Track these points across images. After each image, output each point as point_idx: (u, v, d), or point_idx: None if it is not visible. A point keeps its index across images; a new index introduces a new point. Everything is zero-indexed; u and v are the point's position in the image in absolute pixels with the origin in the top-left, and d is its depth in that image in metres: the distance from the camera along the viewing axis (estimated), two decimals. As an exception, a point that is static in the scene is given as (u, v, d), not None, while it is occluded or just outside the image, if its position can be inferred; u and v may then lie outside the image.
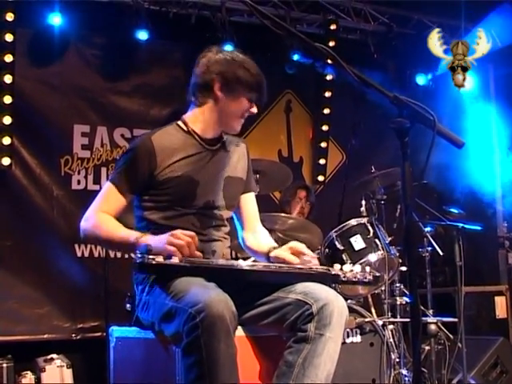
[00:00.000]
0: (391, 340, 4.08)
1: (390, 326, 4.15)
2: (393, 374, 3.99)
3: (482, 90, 6.12)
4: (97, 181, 5.48)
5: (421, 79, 6.34)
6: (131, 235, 2.33)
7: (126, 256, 5.34)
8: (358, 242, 4.17)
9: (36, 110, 5.34)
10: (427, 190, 5.54)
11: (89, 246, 5.34)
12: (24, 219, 5.21)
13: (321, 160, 6.44)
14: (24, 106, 5.23)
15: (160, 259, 2.16)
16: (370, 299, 4.38)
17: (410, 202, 1.96)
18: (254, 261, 2.76)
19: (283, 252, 2.45)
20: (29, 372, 4.87)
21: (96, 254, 5.33)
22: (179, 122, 2.61)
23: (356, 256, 4.11)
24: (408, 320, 4.10)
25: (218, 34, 5.60)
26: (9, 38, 4.99)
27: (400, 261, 4.24)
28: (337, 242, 4.19)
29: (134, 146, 2.54)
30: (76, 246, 5.33)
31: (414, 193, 1.97)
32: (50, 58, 5.41)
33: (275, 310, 2.33)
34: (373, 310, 4.30)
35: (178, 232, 2.23)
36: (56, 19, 5.19)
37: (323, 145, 6.43)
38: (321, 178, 6.45)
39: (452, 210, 5.18)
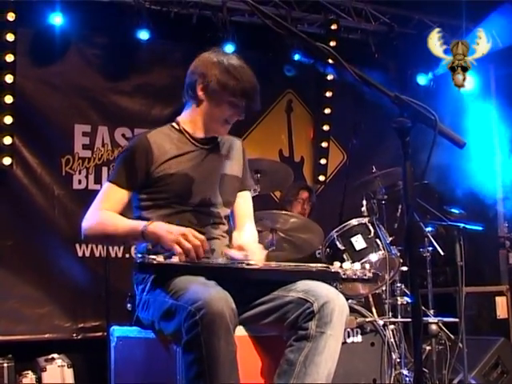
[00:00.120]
0: (392, 340, 4.08)
1: (391, 326, 4.15)
2: (394, 374, 3.99)
3: (483, 90, 6.12)
4: (98, 180, 5.48)
5: (422, 79, 6.34)
6: (139, 224, 2.34)
7: (127, 255, 5.35)
8: (358, 242, 4.18)
9: (37, 109, 5.34)
10: (428, 190, 5.54)
11: (90, 246, 5.34)
12: (25, 219, 5.21)
13: (322, 160, 6.44)
14: (25, 105, 5.23)
15: (160, 259, 2.16)
16: (370, 299, 4.38)
17: (411, 202, 1.96)
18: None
19: (233, 250, 2.42)
20: (30, 372, 4.87)
21: (97, 254, 5.33)
22: (173, 123, 2.64)
23: (357, 256, 4.12)
24: (409, 320, 4.10)
25: (219, 34, 5.61)
26: (10, 37, 4.99)
27: (401, 261, 4.24)
28: (338, 242, 4.20)
29: (130, 144, 2.58)
30: (77, 245, 5.32)
31: (415, 193, 1.97)
32: (51, 58, 5.41)
33: (276, 308, 2.33)
34: (374, 310, 4.30)
35: (190, 234, 2.24)
36: (57, 19, 5.19)
37: (324, 145, 6.43)
38: (322, 178, 6.45)
39: (453, 210, 5.18)
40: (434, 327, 4.42)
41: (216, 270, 2.28)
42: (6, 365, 4.68)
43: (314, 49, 1.99)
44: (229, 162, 2.67)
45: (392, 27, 6.15)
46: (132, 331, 2.57)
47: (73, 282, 5.24)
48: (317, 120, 6.50)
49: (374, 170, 4.44)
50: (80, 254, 5.33)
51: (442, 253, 4.75)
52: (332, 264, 2.39)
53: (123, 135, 5.62)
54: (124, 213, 2.53)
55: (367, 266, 2.38)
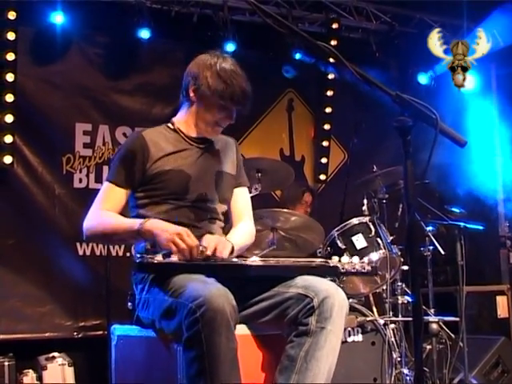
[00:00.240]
0: (393, 339, 4.08)
1: (392, 325, 4.15)
2: (394, 373, 3.99)
3: (484, 89, 6.12)
4: (99, 179, 5.48)
5: (423, 78, 6.34)
6: (135, 222, 2.37)
7: (128, 254, 5.35)
8: (359, 241, 4.18)
9: (38, 108, 5.34)
10: (429, 190, 5.53)
11: (90, 245, 5.34)
12: (26, 218, 5.21)
13: (323, 159, 6.44)
14: (26, 104, 5.23)
15: (159, 258, 2.17)
16: (371, 298, 4.38)
17: (412, 201, 1.96)
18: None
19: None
20: (30, 370, 4.88)
21: (98, 253, 5.34)
22: (168, 124, 2.70)
23: (358, 255, 4.10)
24: (410, 319, 4.10)
25: (220, 33, 5.60)
26: (11, 36, 4.99)
27: (402, 260, 4.24)
28: (338, 241, 4.20)
29: (126, 142, 2.63)
30: (78, 244, 5.33)
31: (416, 192, 1.97)
32: (52, 57, 5.40)
33: (276, 305, 2.34)
34: (374, 309, 4.30)
35: (185, 233, 2.25)
36: (58, 18, 5.19)
37: (325, 144, 6.43)
38: (322, 177, 6.45)
39: (454, 209, 5.18)
40: (434, 326, 4.42)
41: (215, 267, 2.29)
42: (6, 363, 4.68)
43: (315, 48, 1.99)
44: (223, 161, 2.71)
45: (393, 26, 6.15)
46: (133, 330, 2.57)
47: (73, 281, 5.24)
48: (318, 119, 6.50)
49: (375, 169, 4.44)
50: (81, 252, 5.34)
51: (442, 252, 4.75)
52: (331, 259, 2.40)
53: (124, 134, 5.62)
54: (124, 212, 2.55)
55: (366, 259, 2.38)
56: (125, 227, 2.41)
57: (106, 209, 2.49)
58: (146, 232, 2.32)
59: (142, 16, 5.36)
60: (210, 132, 2.65)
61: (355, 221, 4.26)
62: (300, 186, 5.28)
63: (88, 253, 5.33)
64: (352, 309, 3.99)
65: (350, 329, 3.91)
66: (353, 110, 6.22)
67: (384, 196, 4.48)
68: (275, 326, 2.39)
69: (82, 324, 5.28)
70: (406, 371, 4.11)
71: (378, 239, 4.18)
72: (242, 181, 2.80)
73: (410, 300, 4.20)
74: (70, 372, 4.92)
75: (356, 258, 2.38)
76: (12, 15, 4.97)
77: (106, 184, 2.55)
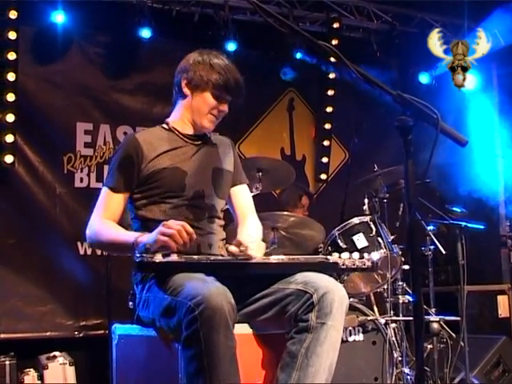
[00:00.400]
0: (393, 338, 4.08)
1: (393, 325, 4.15)
2: (395, 373, 3.99)
3: (485, 88, 6.11)
4: (100, 179, 5.48)
5: (424, 78, 6.34)
6: (130, 237, 2.36)
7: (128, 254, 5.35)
8: (360, 241, 4.18)
9: (39, 107, 5.34)
10: (430, 189, 5.53)
11: (91, 244, 5.34)
12: (27, 217, 5.21)
13: (323, 158, 6.44)
14: (27, 103, 5.23)
15: (159, 257, 2.17)
16: (372, 297, 4.38)
17: (413, 201, 1.96)
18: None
19: (232, 246, 2.39)
20: (31, 369, 4.88)
21: (98, 252, 5.33)
22: (163, 124, 2.71)
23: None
24: (410, 318, 4.09)
25: (221, 33, 5.61)
26: (12, 35, 4.99)
27: (402, 259, 4.24)
28: (339, 241, 4.20)
29: (120, 146, 2.64)
30: (79, 243, 5.33)
31: (416, 191, 1.97)
32: (53, 56, 5.41)
33: (276, 301, 2.34)
34: (375, 309, 4.30)
35: (170, 221, 2.26)
36: (59, 17, 5.19)
37: (326, 143, 6.44)
38: (323, 177, 6.46)
39: (455, 208, 5.18)
40: (435, 326, 4.42)
41: (215, 265, 2.29)
42: (7, 362, 4.68)
43: (316, 47, 1.99)
44: (219, 157, 2.71)
45: (394, 26, 6.15)
46: (133, 329, 2.57)
47: (74, 280, 5.24)
48: (318, 118, 6.50)
49: (376, 168, 4.44)
50: (82, 252, 5.34)
51: (443, 251, 4.75)
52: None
53: (125, 133, 5.61)
54: (124, 214, 2.57)
55: (366, 255, 2.38)
56: (121, 240, 2.40)
57: (107, 217, 2.51)
58: (139, 243, 2.31)
59: (143, 15, 5.37)
60: (206, 124, 2.64)
61: (356, 220, 4.26)
62: (297, 189, 5.27)
63: (89, 252, 5.34)
64: (353, 308, 3.99)
65: (350, 328, 3.91)
66: (354, 109, 6.22)
67: (385, 195, 4.47)
68: (275, 323, 2.39)
69: (83, 323, 5.28)
70: (406, 371, 4.11)
71: (379, 238, 4.18)
72: (242, 178, 2.80)
73: (411, 299, 4.17)
74: (71, 371, 4.92)
75: (356, 254, 2.38)
76: (13, 14, 4.97)
77: (104, 190, 2.57)
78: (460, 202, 5.45)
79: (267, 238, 4.31)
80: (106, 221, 2.50)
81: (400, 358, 4.10)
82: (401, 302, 4.37)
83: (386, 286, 4.24)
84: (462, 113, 5.80)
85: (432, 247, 4.73)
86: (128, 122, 5.69)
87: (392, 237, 4.29)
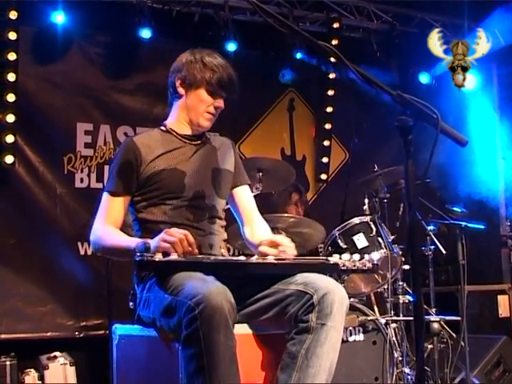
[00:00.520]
0: (394, 338, 4.09)
1: (393, 325, 4.15)
2: (395, 373, 3.99)
3: (485, 88, 6.12)
4: (100, 179, 5.49)
5: (424, 78, 6.34)
6: (132, 242, 2.36)
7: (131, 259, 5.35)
8: (360, 241, 4.18)
9: (39, 108, 5.35)
10: (430, 189, 5.53)
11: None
12: (27, 217, 5.22)
13: (324, 158, 6.44)
14: (27, 104, 5.23)
15: (159, 256, 2.17)
16: (372, 297, 4.38)
17: (413, 201, 1.95)
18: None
19: (265, 246, 2.44)
20: (32, 370, 4.88)
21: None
22: (160, 127, 2.71)
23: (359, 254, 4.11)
24: (411, 318, 4.09)
25: (221, 33, 5.61)
26: (12, 36, 4.99)
27: (403, 259, 4.25)
28: (339, 241, 4.20)
29: (118, 150, 2.65)
30: (79, 244, 5.33)
31: (417, 191, 1.97)
32: (54, 56, 5.41)
33: (276, 302, 2.34)
34: (375, 309, 4.30)
35: (172, 229, 2.27)
36: (59, 17, 5.19)
37: (326, 143, 6.44)
38: (324, 177, 6.46)
39: (455, 208, 5.18)
40: (435, 326, 4.42)
41: (215, 265, 2.29)
42: (8, 363, 4.69)
43: (316, 47, 1.99)
44: (219, 157, 2.71)
45: (394, 26, 6.15)
46: (134, 329, 2.57)
47: (75, 281, 5.25)
48: (319, 118, 6.50)
49: (376, 168, 4.44)
50: (82, 252, 5.34)
51: (443, 251, 4.75)
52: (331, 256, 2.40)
53: (125, 134, 5.62)
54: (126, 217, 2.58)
55: (366, 256, 2.38)
56: (123, 246, 2.41)
57: (109, 222, 2.52)
58: (140, 244, 2.31)
59: (143, 15, 5.37)
60: (203, 123, 2.64)
61: (356, 220, 4.26)
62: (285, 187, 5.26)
63: (89, 252, 5.33)
64: (353, 308, 3.99)
65: (351, 328, 3.91)
66: (354, 109, 6.22)
67: (385, 195, 4.48)
68: (276, 324, 2.39)
69: (84, 323, 5.28)
70: (407, 370, 4.11)
71: (379, 239, 4.18)
72: (244, 179, 2.80)
73: (412, 299, 4.18)
74: (71, 371, 4.92)
75: (357, 256, 2.38)
76: (13, 15, 4.98)
77: (105, 195, 2.57)
78: (460, 202, 5.45)
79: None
80: (108, 227, 2.51)
81: (400, 358, 4.11)
82: (401, 301, 4.37)
83: (386, 286, 4.24)
84: (462, 113, 5.80)
85: (432, 247, 4.74)
86: (128, 122, 5.69)
87: (392, 237, 4.30)
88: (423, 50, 5.73)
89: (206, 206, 2.58)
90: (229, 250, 2.92)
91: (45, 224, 5.27)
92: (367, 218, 4.26)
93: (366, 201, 4.45)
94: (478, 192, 5.79)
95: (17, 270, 5.11)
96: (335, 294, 2.26)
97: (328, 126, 6.41)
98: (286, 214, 4.47)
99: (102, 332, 5.15)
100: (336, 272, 2.87)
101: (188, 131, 2.67)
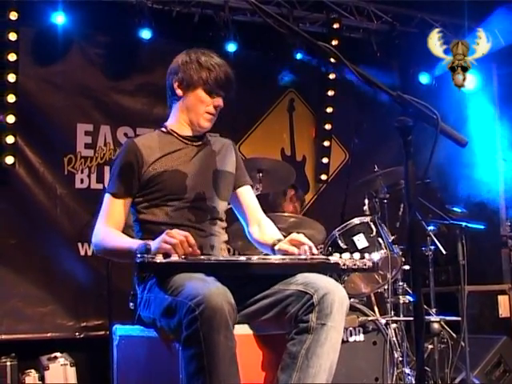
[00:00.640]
0: (394, 339, 4.08)
1: (393, 325, 4.15)
2: (396, 373, 3.99)
3: (485, 89, 6.12)
4: (100, 179, 5.49)
5: (424, 78, 6.34)
6: (133, 245, 2.36)
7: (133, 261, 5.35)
8: (360, 241, 4.18)
9: (39, 108, 5.35)
10: (430, 189, 5.54)
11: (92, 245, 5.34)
12: (27, 218, 5.22)
13: (324, 159, 6.44)
14: (27, 104, 5.23)
15: (160, 258, 2.18)
16: (372, 298, 4.38)
17: (413, 201, 1.96)
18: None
19: (285, 244, 2.47)
20: (32, 370, 4.89)
21: (99, 253, 5.34)
22: (161, 128, 2.71)
23: (359, 255, 4.12)
24: (411, 319, 4.10)
25: (221, 33, 5.61)
26: (12, 36, 5.00)
27: (403, 259, 4.24)
28: (340, 241, 4.20)
29: (119, 152, 2.64)
30: (79, 244, 5.34)
31: (416, 191, 1.97)
32: (54, 57, 5.42)
33: (276, 302, 2.34)
34: (376, 309, 4.30)
35: (173, 231, 2.27)
36: (59, 18, 5.20)
37: (326, 144, 6.44)
38: (324, 177, 6.46)
39: (455, 208, 5.18)
40: (436, 326, 4.42)
41: (215, 266, 2.29)
42: (8, 363, 4.69)
43: (316, 48, 1.99)
44: (220, 158, 2.71)
45: (394, 26, 6.15)
46: (134, 330, 2.57)
47: (75, 281, 5.25)
48: (319, 119, 6.50)
49: (376, 168, 4.44)
50: (82, 252, 5.35)
51: (444, 251, 4.76)
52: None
53: (125, 134, 5.63)
54: (127, 219, 2.59)
55: (366, 255, 2.38)
56: (125, 248, 2.40)
57: (111, 224, 2.52)
58: (141, 245, 2.31)
59: (143, 16, 5.37)
60: (203, 123, 2.64)
61: (356, 221, 4.25)
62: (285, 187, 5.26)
63: (89, 253, 5.34)
64: (353, 308, 3.99)
65: (351, 328, 3.91)
66: (354, 110, 6.22)
67: (385, 196, 4.48)
68: (276, 324, 2.39)
69: (84, 324, 5.28)
70: (407, 371, 4.11)
71: (380, 239, 4.18)
72: (246, 180, 2.80)
73: (412, 300, 4.18)
74: (71, 372, 4.92)
75: (357, 255, 2.38)
76: (13, 16, 4.98)
77: (106, 197, 2.58)
78: (460, 202, 5.44)
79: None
80: (110, 228, 2.51)
81: (401, 359, 4.11)
82: (401, 302, 4.37)
83: (386, 287, 4.23)
84: (462, 113, 5.80)
85: (432, 247, 4.74)
86: (128, 122, 5.70)
87: (392, 237, 4.30)
88: (423, 51, 5.74)
89: (207, 208, 2.59)
90: (229, 251, 2.92)
91: (45, 224, 5.27)
92: (367, 219, 4.26)
93: (366, 201, 4.45)
94: (478, 192, 5.79)
95: (17, 270, 5.12)
96: (335, 294, 2.26)
97: (328, 127, 6.41)
98: (285, 214, 4.47)
99: (103, 332, 5.15)
100: (337, 271, 2.87)
101: (189, 132, 2.67)
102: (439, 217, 4.82)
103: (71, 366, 4.93)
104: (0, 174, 5.13)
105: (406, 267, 4.29)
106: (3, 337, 4.99)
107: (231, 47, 5.58)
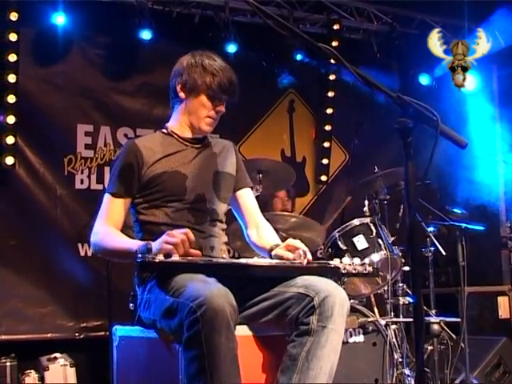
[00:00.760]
0: (394, 340, 4.09)
1: (393, 326, 4.15)
2: (395, 374, 3.99)
3: (485, 89, 6.12)
4: (100, 180, 5.49)
5: (424, 79, 6.34)
6: (133, 244, 2.36)
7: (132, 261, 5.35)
8: (360, 242, 4.18)
9: (40, 109, 5.35)
10: (430, 190, 5.54)
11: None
12: (27, 218, 5.22)
13: (324, 160, 6.45)
14: (28, 105, 5.24)
15: (160, 257, 2.18)
16: (372, 299, 4.38)
17: (413, 202, 1.96)
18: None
19: (281, 250, 2.47)
20: (32, 371, 4.88)
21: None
22: (162, 129, 2.72)
23: (359, 256, 4.11)
24: (411, 320, 4.10)
25: (222, 34, 5.61)
26: (13, 37, 5.00)
27: (403, 261, 4.25)
28: (340, 242, 4.20)
29: (120, 152, 2.64)
30: (79, 245, 5.34)
31: (416, 193, 1.97)
32: (54, 58, 5.42)
33: (276, 305, 2.34)
34: (375, 310, 4.30)
35: (174, 231, 2.27)
36: (60, 19, 5.20)
37: (326, 145, 6.44)
38: (324, 178, 6.46)
39: (455, 210, 5.18)
40: (435, 327, 4.43)
41: (216, 267, 2.29)
42: (8, 364, 4.69)
43: (316, 49, 1.99)
44: (221, 160, 2.71)
45: (394, 27, 6.15)
46: (134, 331, 2.57)
47: (75, 282, 5.25)
48: (319, 120, 6.50)
49: (376, 169, 4.45)
50: (82, 253, 5.35)
51: (443, 253, 4.76)
52: (332, 261, 2.40)
53: (125, 135, 5.63)
54: (127, 219, 2.59)
55: (367, 260, 2.39)
56: (124, 248, 2.40)
57: (110, 224, 2.52)
58: (141, 245, 2.31)
59: (144, 17, 5.37)
60: (204, 127, 2.64)
61: (356, 222, 4.26)
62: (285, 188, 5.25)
63: (89, 253, 5.33)
64: (353, 310, 3.99)
65: (351, 329, 3.91)
66: (354, 110, 6.22)
67: (385, 197, 4.48)
68: (276, 326, 2.39)
69: (84, 325, 5.28)
70: (407, 372, 4.11)
71: (379, 240, 4.18)
72: (246, 182, 2.80)
73: (411, 301, 4.18)
74: (71, 373, 4.92)
75: (357, 260, 2.38)
76: (14, 16, 4.98)
77: (106, 196, 2.58)
78: (460, 204, 5.44)
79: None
80: (109, 228, 2.51)
81: (400, 360, 4.11)
82: (401, 303, 4.37)
83: (386, 288, 4.24)
84: (462, 114, 5.80)
85: (432, 248, 4.74)
86: (128, 123, 5.70)
87: (392, 238, 4.30)
88: (423, 52, 5.74)
89: (207, 209, 2.59)
90: (228, 252, 2.92)
91: (45, 225, 5.27)
92: (367, 220, 4.27)
93: (366, 202, 4.45)
94: (478, 193, 5.79)
95: (17, 270, 5.12)
96: (336, 297, 2.26)
97: (328, 128, 6.41)
98: (286, 214, 4.47)
99: (103, 333, 5.14)
100: (337, 275, 2.87)
101: (189, 134, 2.67)
102: (439, 218, 4.82)
103: (71, 367, 4.93)
104: (0, 175, 5.13)
105: (406, 268, 4.30)
106: (3, 337, 4.99)
107: (231, 48, 5.58)
